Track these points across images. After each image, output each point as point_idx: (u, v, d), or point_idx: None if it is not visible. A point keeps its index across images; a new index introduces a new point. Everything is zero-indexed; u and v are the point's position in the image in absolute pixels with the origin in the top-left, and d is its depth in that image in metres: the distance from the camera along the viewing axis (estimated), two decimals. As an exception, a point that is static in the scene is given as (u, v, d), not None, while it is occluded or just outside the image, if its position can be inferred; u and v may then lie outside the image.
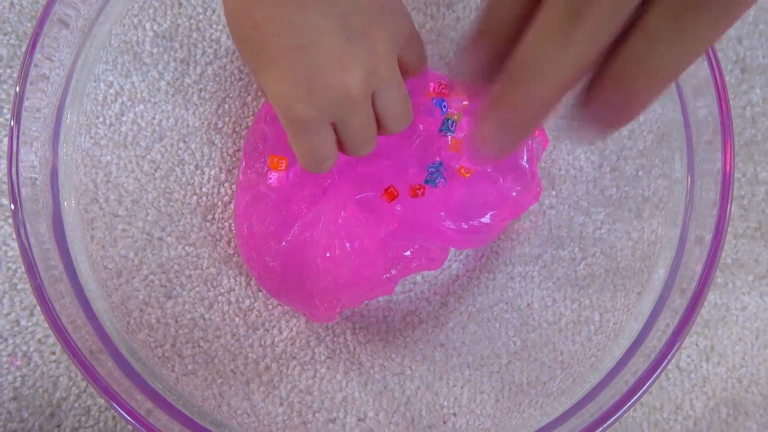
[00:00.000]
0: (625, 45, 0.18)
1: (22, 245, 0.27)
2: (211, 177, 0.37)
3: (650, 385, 0.27)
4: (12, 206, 0.28)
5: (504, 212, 0.35)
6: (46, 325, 0.37)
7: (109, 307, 0.30)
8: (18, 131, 0.28)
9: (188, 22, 0.36)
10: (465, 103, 0.34)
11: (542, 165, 0.38)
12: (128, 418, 0.26)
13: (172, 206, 0.36)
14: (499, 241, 0.38)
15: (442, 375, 0.35)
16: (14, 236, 0.37)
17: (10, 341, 0.37)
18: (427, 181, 0.33)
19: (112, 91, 0.34)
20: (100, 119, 0.33)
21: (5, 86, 0.38)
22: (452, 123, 0.33)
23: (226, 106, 0.37)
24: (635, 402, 0.27)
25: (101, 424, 0.37)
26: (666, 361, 0.28)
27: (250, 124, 0.38)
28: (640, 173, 0.35)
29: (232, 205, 0.37)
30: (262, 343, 0.35)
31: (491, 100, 0.20)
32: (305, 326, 0.37)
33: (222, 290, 0.36)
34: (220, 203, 0.37)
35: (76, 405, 0.37)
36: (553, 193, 0.38)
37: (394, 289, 0.36)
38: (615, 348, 0.30)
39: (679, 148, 0.31)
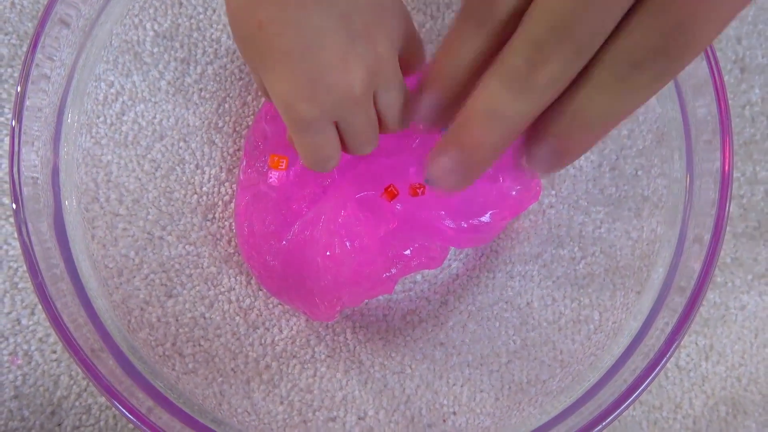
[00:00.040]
0: (566, 97, 0.19)
1: (23, 244, 0.28)
2: (212, 176, 0.37)
3: (649, 384, 0.27)
4: (14, 205, 0.28)
5: (504, 211, 0.35)
6: (47, 324, 0.37)
7: (110, 306, 0.31)
8: (19, 131, 0.28)
9: (189, 21, 0.36)
10: None
11: (542, 164, 0.38)
12: (129, 416, 0.27)
13: (172, 205, 0.36)
14: (499, 240, 0.39)
15: (442, 374, 0.35)
16: (15, 235, 0.37)
17: (11, 340, 0.37)
18: (427, 181, 0.33)
19: (112, 90, 0.34)
20: (101, 119, 0.33)
21: (6, 86, 0.38)
22: None
23: (227, 105, 0.37)
24: (634, 400, 0.27)
25: (102, 423, 0.37)
26: (665, 359, 0.28)
27: (250, 123, 0.38)
28: (639, 172, 0.35)
29: (232, 205, 0.37)
30: (263, 341, 0.35)
31: (445, 141, 0.22)
32: (305, 325, 0.37)
33: (222, 289, 0.36)
34: (220, 202, 0.37)
35: (77, 403, 0.37)
36: (553, 192, 0.38)
37: (394, 287, 0.36)
38: (614, 346, 0.31)
39: (678, 147, 0.32)
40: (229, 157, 0.37)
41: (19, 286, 0.37)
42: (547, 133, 0.21)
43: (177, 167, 0.36)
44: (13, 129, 0.28)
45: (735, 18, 0.18)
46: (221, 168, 0.37)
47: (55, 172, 0.30)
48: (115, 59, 0.34)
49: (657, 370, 0.28)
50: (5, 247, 0.37)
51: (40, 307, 0.37)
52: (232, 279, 0.36)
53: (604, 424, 0.27)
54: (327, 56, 0.23)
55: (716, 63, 0.29)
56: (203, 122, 0.37)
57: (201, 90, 0.37)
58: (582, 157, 0.37)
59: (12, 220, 0.37)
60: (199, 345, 0.34)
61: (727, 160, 0.29)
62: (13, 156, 0.28)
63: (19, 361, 0.37)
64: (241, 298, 0.36)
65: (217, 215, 0.37)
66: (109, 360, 0.28)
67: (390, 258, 0.34)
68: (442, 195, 0.30)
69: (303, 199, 0.34)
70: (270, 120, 0.35)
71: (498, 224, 0.35)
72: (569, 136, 0.20)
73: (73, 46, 0.30)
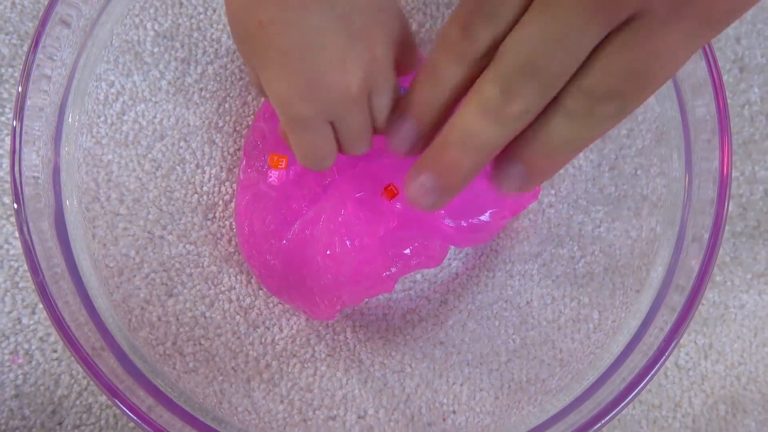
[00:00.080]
0: (536, 125, 0.21)
1: (24, 243, 0.28)
2: (212, 176, 0.37)
3: (647, 382, 0.28)
4: (15, 205, 0.28)
5: (503, 210, 0.35)
6: (48, 323, 0.37)
7: (111, 305, 0.31)
8: (20, 130, 0.28)
9: (189, 21, 0.36)
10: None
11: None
12: (130, 414, 0.27)
13: (173, 205, 0.36)
14: (499, 240, 0.39)
15: (441, 373, 0.35)
16: (16, 235, 0.37)
17: (12, 339, 0.37)
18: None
19: (113, 90, 0.34)
20: (102, 118, 0.33)
21: (7, 86, 0.38)
22: None
23: (227, 105, 0.37)
24: (632, 399, 0.27)
25: (102, 422, 0.37)
26: (663, 358, 0.28)
27: (250, 123, 0.38)
28: (638, 172, 0.35)
29: (232, 204, 0.37)
30: (263, 341, 0.35)
31: (422, 162, 0.23)
32: (305, 324, 0.37)
33: (223, 288, 0.36)
34: (220, 202, 0.37)
35: (78, 402, 0.37)
36: (552, 191, 0.38)
37: (394, 286, 0.36)
38: (613, 345, 0.31)
39: (678, 146, 0.32)
40: (229, 157, 0.37)
41: (20, 285, 0.37)
42: (515, 157, 0.22)
43: (177, 167, 0.36)
44: (14, 129, 0.28)
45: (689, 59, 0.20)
46: (221, 167, 0.37)
47: (56, 172, 0.30)
48: (116, 59, 0.34)
49: (656, 368, 0.28)
50: (6, 246, 0.37)
51: (40, 306, 0.37)
52: (233, 278, 0.36)
53: (603, 422, 0.27)
54: (326, 56, 0.23)
55: (715, 62, 0.29)
56: (204, 122, 0.37)
57: (201, 90, 0.37)
58: (581, 157, 0.37)
59: (13, 219, 0.37)
60: (200, 344, 0.34)
61: (725, 160, 0.29)
62: (14, 156, 0.28)
63: (20, 360, 0.37)
64: (241, 297, 0.36)
65: (217, 214, 0.37)
66: (109, 359, 0.28)
67: (390, 257, 0.34)
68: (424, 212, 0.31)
69: (303, 198, 0.34)
70: (269, 119, 0.35)
71: (497, 223, 0.35)
72: (536, 162, 0.22)
73: (73, 46, 0.30)
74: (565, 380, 0.32)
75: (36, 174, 0.29)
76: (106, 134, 0.34)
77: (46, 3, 0.29)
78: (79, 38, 0.30)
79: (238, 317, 0.36)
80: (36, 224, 0.28)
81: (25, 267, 0.36)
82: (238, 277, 0.37)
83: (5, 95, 0.38)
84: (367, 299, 0.38)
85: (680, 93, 0.31)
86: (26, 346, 0.37)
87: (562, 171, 0.38)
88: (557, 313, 0.35)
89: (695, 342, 0.40)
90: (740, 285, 0.41)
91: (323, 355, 0.36)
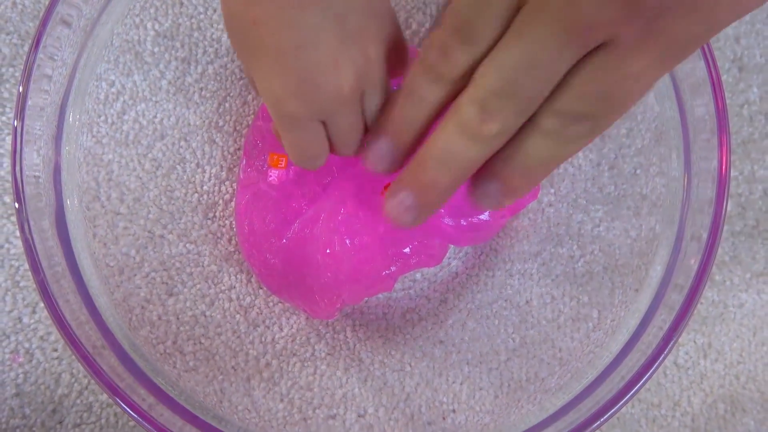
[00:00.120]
0: (512, 143, 0.22)
1: (25, 242, 0.28)
2: (212, 175, 0.37)
3: (646, 381, 0.28)
4: (16, 204, 0.28)
5: (503, 210, 0.35)
6: (49, 322, 0.37)
7: (112, 304, 0.31)
8: (21, 130, 0.28)
9: (189, 21, 0.36)
10: None
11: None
12: (131, 412, 0.27)
13: (173, 204, 0.36)
14: (498, 239, 0.39)
15: (441, 372, 0.35)
16: (17, 234, 0.37)
17: (13, 338, 0.37)
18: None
19: (113, 90, 0.34)
20: (102, 118, 0.33)
21: (8, 85, 0.38)
22: None
23: (227, 104, 0.37)
24: (631, 398, 0.27)
25: (103, 421, 0.37)
26: (662, 356, 0.28)
27: (250, 122, 0.38)
28: (638, 171, 0.35)
29: (232, 203, 0.38)
30: (263, 340, 0.36)
31: (402, 180, 0.24)
32: (305, 323, 0.37)
33: (223, 287, 0.36)
34: (221, 201, 0.37)
35: (78, 401, 0.37)
36: (552, 191, 0.38)
37: (394, 286, 0.36)
38: (612, 344, 0.31)
39: (677, 146, 0.32)
40: (229, 156, 0.38)
41: (21, 284, 0.37)
42: (493, 175, 0.23)
43: (178, 166, 0.36)
44: (15, 128, 0.28)
45: (656, 84, 0.21)
46: (222, 167, 0.37)
47: (57, 171, 0.30)
48: (116, 59, 0.34)
49: (654, 367, 0.28)
50: (7, 245, 0.37)
51: (41, 305, 0.37)
52: (233, 277, 0.36)
53: (601, 420, 0.27)
54: (319, 56, 0.23)
55: (714, 62, 0.29)
56: (204, 121, 0.37)
57: (201, 89, 0.37)
58: (581, 156, 0.37)
59: (14, 218, 0.37)
60: (200, 343, 0.34)
61: (724, 159, 0.29)
62: (15, 155, 0.28)
63: (21, 359, 0.37)
64: (241, 297, 0.36)
65: (217, 214, 0.37)
66: (110, 357, 0.28)
67: (389, 256, 0.34)
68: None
69: (303, 197, 0.34)
70: (269, 119, 0.35)
71: (497, 222, 0.35)
72: (513, 179, 0.22)
73: (74, 46, 0.30)
74: (565, 379, 0.32)
75: (37, 173, 0.29)
76: (107, 134, 0.34)
77: (47, 3, 0.29)
78: (80, 38, 0.30)
79: (238, 316, 0.36)
80: (37, 223, 0.28)
81: (26, 266, 0.36)
82: (238, 276, 0.37)
83: (6, 95, 0.38)
84: (366, 298, 0.38)
85: (679, 93, 0.31)
86: (27, 345, 0.37)
87: (561, 170, 0.38)
88: (557, 312, 0.35)
89: (694, 341, 0.41)
90: (739, 284, 0.41)
91: (323, 354, 0.36)
